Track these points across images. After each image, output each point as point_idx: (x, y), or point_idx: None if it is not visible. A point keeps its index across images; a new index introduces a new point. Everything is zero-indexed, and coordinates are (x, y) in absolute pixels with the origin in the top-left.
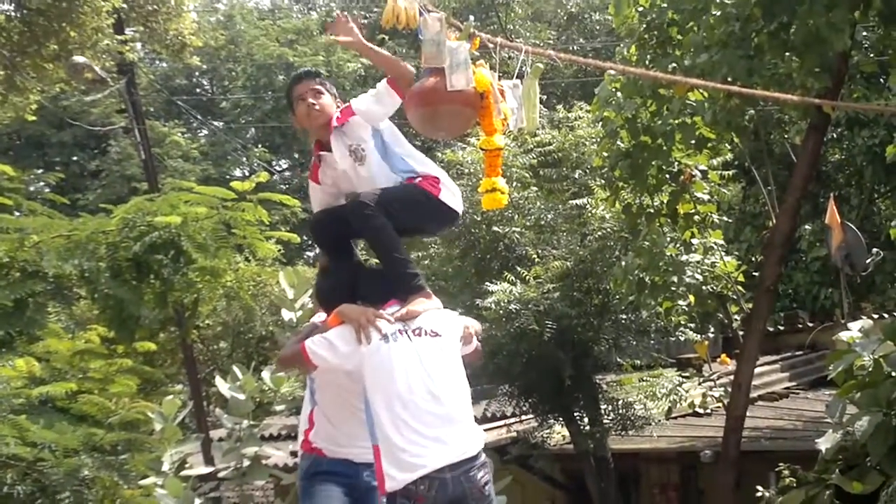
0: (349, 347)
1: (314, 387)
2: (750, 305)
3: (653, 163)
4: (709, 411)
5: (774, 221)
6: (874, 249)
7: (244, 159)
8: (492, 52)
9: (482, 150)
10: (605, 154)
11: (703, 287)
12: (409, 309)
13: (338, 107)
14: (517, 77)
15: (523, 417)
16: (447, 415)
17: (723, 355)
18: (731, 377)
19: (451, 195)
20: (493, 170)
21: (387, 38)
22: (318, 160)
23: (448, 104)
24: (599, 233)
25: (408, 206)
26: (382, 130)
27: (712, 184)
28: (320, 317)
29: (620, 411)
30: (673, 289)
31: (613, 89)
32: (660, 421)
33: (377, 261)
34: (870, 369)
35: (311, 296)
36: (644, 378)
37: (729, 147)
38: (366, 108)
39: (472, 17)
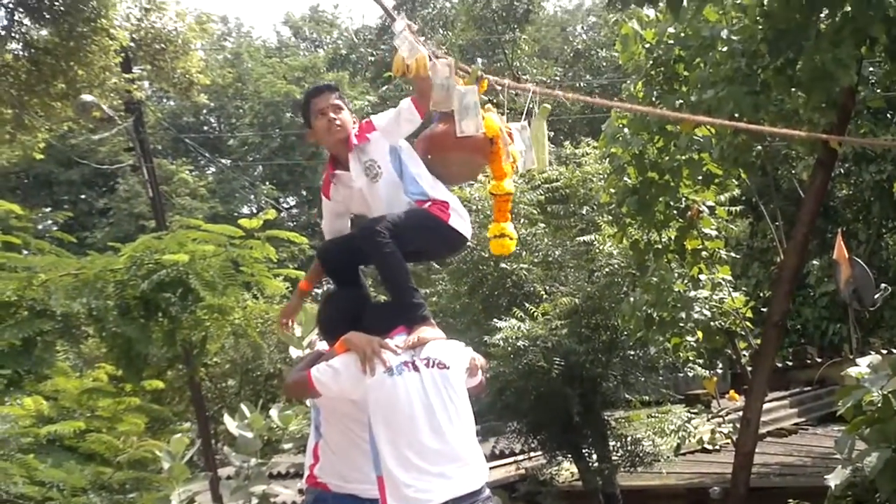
0: (354, 377)
1: (319, 419)
2: (758, 341)
3: (660, 199)
4: (718, 447)
5: (782, 257)
6: (882, 285)
7: (252, 196)
8: (500, 93)
9: (492, 194)
10: (613, 190)
11: (712, 323)
12: (421, 336)
13: (354, 122)
14: (525, 116)
15: (532, 454)
16: (451, 450)
17: (731, 391)
18: (740, 413)
19: (461, 220)
20: (502, 215)
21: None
22: (331, 177)
23: (457, 151)
24: (607, 269)
25: (418, 231)
26: (401, 149)
27: (720, 219)
28: (325, 344)
29: (629, 448)
30: (681, 325)
31: (620, 125)
32: (669, 457)
33: (383, 290)
34: (879, 405)
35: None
36: (653, 414)
37: (736, 183)
38: (386, 126)
39: (479, 60)
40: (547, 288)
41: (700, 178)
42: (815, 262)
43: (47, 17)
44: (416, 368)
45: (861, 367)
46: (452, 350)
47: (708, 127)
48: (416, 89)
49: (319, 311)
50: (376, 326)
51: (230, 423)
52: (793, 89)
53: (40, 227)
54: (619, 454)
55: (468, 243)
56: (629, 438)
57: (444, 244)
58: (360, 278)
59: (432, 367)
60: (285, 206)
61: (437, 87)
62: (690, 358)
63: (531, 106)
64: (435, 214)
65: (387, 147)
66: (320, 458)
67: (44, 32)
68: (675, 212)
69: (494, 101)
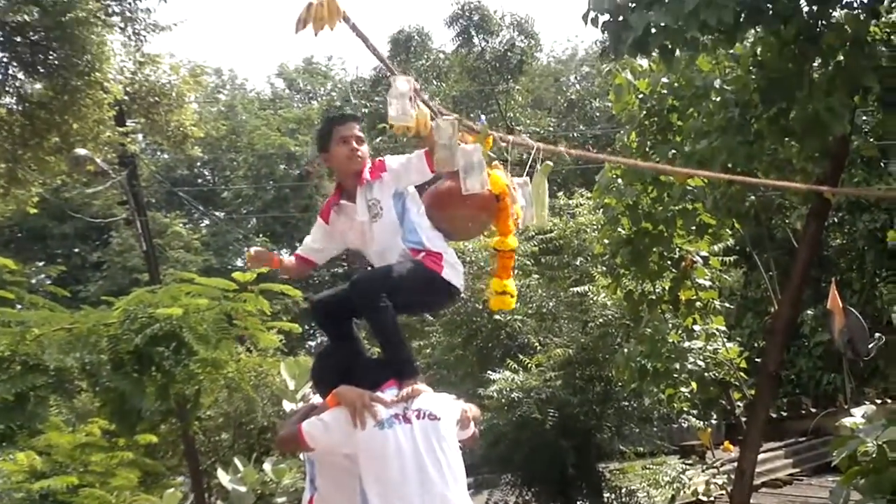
0: (345, 431)
1: (314, 472)
2: (753, 391)
3: (654, 249)
4: (713, 499)
5: (776, 307)
6: (876, 334)
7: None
8: (504, 149)
9: (496, 250)
10: (607, 241)
11: (706, 374)
12: (415, 387)
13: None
14: (526, 172)
15: None
16: (442, 502)
17: (726, 442)
18: (735, 464)
19: (454, 272)
20: (505, 271)
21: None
22: (334, 205)
23: (463, 209)
24: (601, 320)
25: (411, 285)
26: (406, 194)
27: (714, 270)
28: (319, 398)
29: (624, 499)
30: (675, 376)
31: (614, 176)
32: None
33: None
34: (874, 455)
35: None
36: (647, 466)
37: (730, 233)
38: (397, 169)
39: (483, 117)
40: (541, 339)
41: (694, 228)
42: (809, 311)
43: (41, 70)
44: (407, 420)
45: (856, 417)
46: (443, 402)
47: (701, 177)
48: (428, 145)
49: (313, 365)
50: (367, 380)
51: (223, 477)
52: (786, 139)
53: (34, 281)
54: None
55: (461, 295)
56: (624, 490)
57: (437, 296)
58: (352, 331)
59: (423, 418)
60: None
61: (440, 147)
62: (685, 409)
63: (532, 163)
64: (429, 266)
65: (392, 190)
66: None
67: (38, 86)
68: (668, 262)
69: (497, 156)
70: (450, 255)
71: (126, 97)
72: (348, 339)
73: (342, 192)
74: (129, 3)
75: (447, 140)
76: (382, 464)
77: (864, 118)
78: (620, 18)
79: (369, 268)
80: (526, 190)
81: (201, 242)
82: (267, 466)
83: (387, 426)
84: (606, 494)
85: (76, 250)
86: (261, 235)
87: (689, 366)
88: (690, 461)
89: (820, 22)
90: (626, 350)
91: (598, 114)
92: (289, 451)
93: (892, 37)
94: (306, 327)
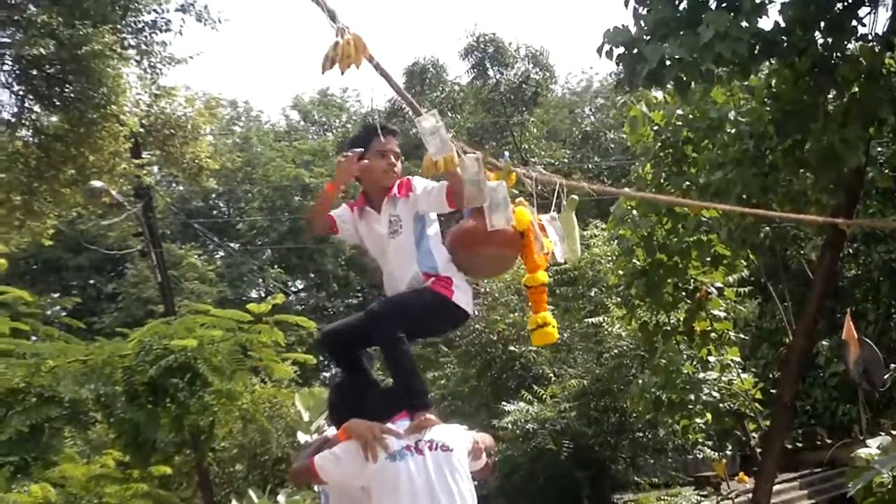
0: (357, 463)
1: (329, 503)
2: (768, 422)
3: (669, 280)
4: None
5: (791, 338)
6: (892, 365)
7: (260, 280)
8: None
9: (526, 287)
10: (621, 272)
11: (721, 405)
12: (427, 416)
13: None
14: (553, 208)
15: None
16: None
17: (741, 473)
18: (750, 495)
19: (464, 296)
20: (539, 305)
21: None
22: (359, 209)
23: (488, 247)
24: (616, 351)
25: (425, 313)
26: (426, 219)
27: (728, 301)
28: (333, 430)
29: None
30: (690, 407)
31: (629, 207)
32: None
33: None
34: (889, 486)
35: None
36: (662, 497)
37: (745, 264)
38: (421, 194)
39: (507, 154)
40: (556, 370)
41: (708, 259)
42: (824, 342)
43: (57, 103)
44: (419, 451)
45: (871, 448)
46: (454, 433)
47: (716, 209)
48: (449, 183)
49: (329, 396)
50: (379, 412)
51: None
52: (801, 170)
53: (49, 312)
54: None
55: (471, 318)
56: None
57: (448, 321)
58: (363, 363)
59: (435, 449)
60: (294, 289)
61: (468, 182)
62: (700, 440)
63: (557, 198)
64: (439, 292)
65: (415, 212)
66: None
67: (54, 119)
68: (683, 293)
69: (521, 191)
70: (459, 280)
71: (142, 129)
72: (358, 369)
73: (367, 200)
74: (145, 37)
75: (474, 176)
76: (395, 496)
77: (880, 149)
78: (635, 51)
79: (382, 297)
80: (556, 225)
81: (216, 274)
82: (281, 498)
83: (398, 458)
84: None
85: (91, 282)
86: (276, 266)
87: (704, 397)
88: (705, 492)
89: (835, 54)
90: (640, 381)
91: (612, 145)
92: (302, 484)
93: None
94: (321, 358)
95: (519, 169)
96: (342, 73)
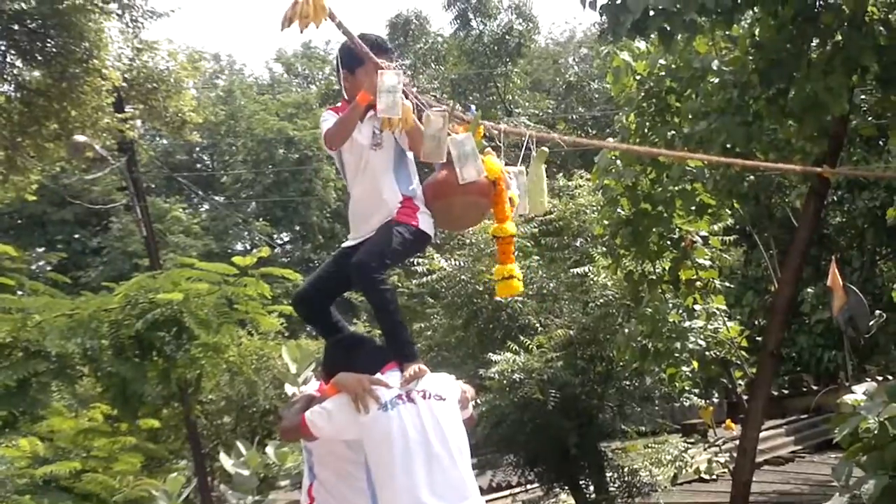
0: (348, 416)
1: (312, 461)
2: (754, 370)
3: (654, 230)
4: (714, 477)
5: (776, 285)
6: (877, 311)
7: (245, 233)
8: (496, 137)
9: (494, 237)
10: (606, 222)
11: (707, 353)
12: (420, 367)
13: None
14: (521, 160)
15: (528, 486)
16: (449, 482)
17: (728, 420)
18: (737, 442)
19: (427, 220)
20: (506, 257)
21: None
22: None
23: (461, 196)
24: (602, 300)
25: (400, 250)
26: (402, 142)
27: (713, 249)
28: (313, 386)
29: (626, 478)
30: (676, 355)
31: (613, 157)
32: (666, 487)
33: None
34: (875, 432)
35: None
36: (649, 445)
37: (729, 212)
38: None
39: (473, 107)
40: (542, 320)
41: (693, 208)
42: (809, 289)
43: (39, 58)
44: (411, 400)
45: (857, 394)
46: (446, 382)
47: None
48: (410, 137)
49: (323, 357)
50: (368, 365)
51: (226, 461)
52: (785, 119)
53: (34, 267)
54: (616, 485)
55: (459, 272)
56: (626, 469)
57: (416, 249)
58: (339, 322)
59: (429, 398)
60: (279, 242)
61: (428, 137)
62: (686, 388)
63: (528, 150)
64: (409, 224)
65: (397, 131)
66: (315, 498)
67: (36, 74)
68: (668, 242)
69: (490, 143)
70: (422, 204)
71: (124, 84)
72: (336, 328)
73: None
74: None
75: (436, 132)
76: (388, 445)
77: (863, 97)
78: (618, 1)
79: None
80: (521, 179)
81: (201, 227)
82: (269, 450)
83: (391, 407)
84: (609, 473)
85: (76, 236)
86: (260, 219)
87: (690, 345)
88: (692, 440)
89: (818, 2)
90: (626, 330)
91: (596, 95)
92: (292, 440)
93: (890, 16)
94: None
95: (486, 122)
96: (301, 32)
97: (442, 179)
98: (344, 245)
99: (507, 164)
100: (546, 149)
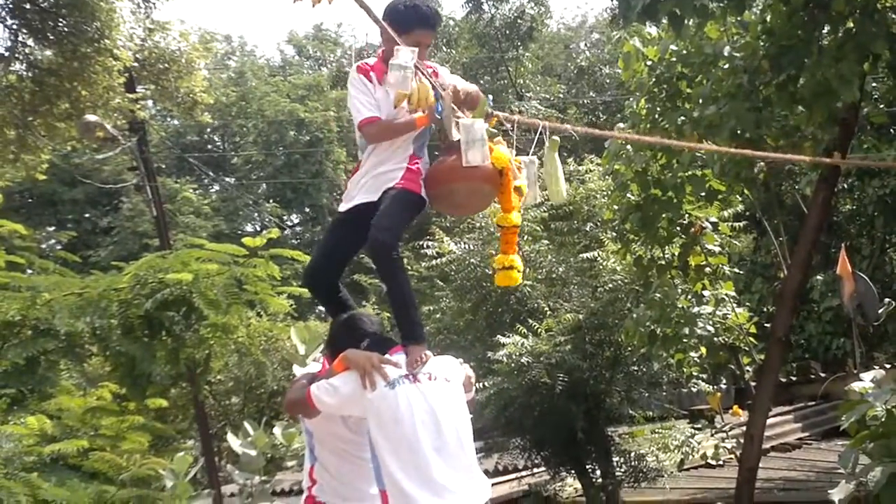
0: (354, 392)
1: (313, 443)
2: (762, 356)
3: (663, 215)
4: (721, 463)
5: (786, 272)
6: (886, 299)
7: (255, 215)
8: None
9: (499, 226)
10: (616, 207)
11: (715, 339)
12: (425, 352)
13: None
14: (533, 150)
15: (535, 470)
16: (455, 461)
17: (735, 406)
18: (744, 428)
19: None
20: (509, 247)
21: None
22: (378, 77)
23: (464, 181)
24: (610, 285)
25: (408, 218)
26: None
27: (723, 235)
28: (316, 367)
29: (633, 463)
30: (685, 340)
31: (623, 142)
32: (672, 473)
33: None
34: (883, 419)
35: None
36: (656, 430)
37: (739, 198)
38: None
39: (490, 97)
40: (550, 304)
41: (703, 194)
42: (818, 277)
43: (51, 38)
44: (416, 380)
45: (865, 381)
46: (452, 366)
47: (711, 143)
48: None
49: (329, 333)
50: (373, 345)
51: (233, 441)
52: (795, 105)
53: (44, 246)
54: (622, 470)
55: (468, 256)
56: (633, 454)
57: (417, 214)
58: (348, 299)
59: (434, 380)
60: (289, 223)
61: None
62: (694, 373)
63: (541, 138)
64: (412, 190)
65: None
66: (317, 480)
67: (48, 53)
68: (678, 228)
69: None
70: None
71: (136, 64)
72: (344, 306)
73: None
74: None
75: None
76: (395, 421)
77: (874, 85)
78: None
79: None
80: (531, 169)
81: (211, 208)
82: (277, 430)
83: (397, 385)
84: (615, 458)
85: (86, 216)
86: (271, 201)
87: (699, 331)
88: (699, 425)
89: None
90: (635, 315)
91: (608, 80)
92: (297, 414)
93: None
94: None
95: (500, 113)
96: (312, 7)
97: (446, 166)
98: (340, 210)
99: (518, 152)
100: (558, 139)
